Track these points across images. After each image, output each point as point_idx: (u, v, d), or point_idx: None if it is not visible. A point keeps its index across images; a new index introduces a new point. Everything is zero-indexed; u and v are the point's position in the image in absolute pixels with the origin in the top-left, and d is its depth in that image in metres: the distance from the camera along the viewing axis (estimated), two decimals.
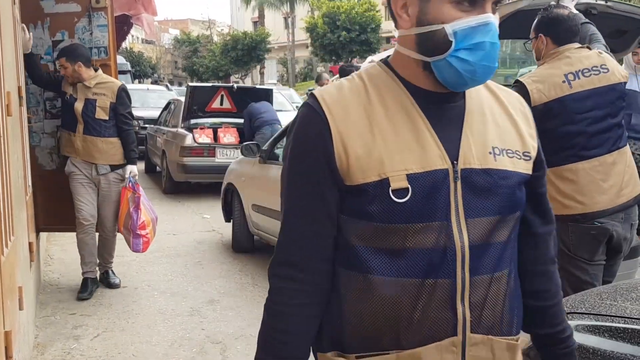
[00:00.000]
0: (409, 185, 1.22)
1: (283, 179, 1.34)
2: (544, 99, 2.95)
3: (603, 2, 4.14)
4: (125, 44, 24.55)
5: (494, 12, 1.25)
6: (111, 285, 5.19)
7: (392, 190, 1.22)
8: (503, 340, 1.31)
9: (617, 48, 4.42)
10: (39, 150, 5.12)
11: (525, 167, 1.33)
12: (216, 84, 17.45)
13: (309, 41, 36.82)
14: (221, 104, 10.07)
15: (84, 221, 4.93)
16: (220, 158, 9.27)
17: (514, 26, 4.06)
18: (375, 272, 1.25)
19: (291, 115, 8.29)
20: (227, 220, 6.66)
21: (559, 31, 3.07)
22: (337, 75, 17.88)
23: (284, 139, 6.04)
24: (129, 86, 7.79)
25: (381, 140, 1.24)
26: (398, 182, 1.22)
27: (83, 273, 5.03)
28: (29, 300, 3.83)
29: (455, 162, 1.26)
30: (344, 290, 1.29)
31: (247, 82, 42.69)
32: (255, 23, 53.47)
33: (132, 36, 49.80)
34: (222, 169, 7.30)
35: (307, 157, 1.28)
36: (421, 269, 1.24)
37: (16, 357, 2.81)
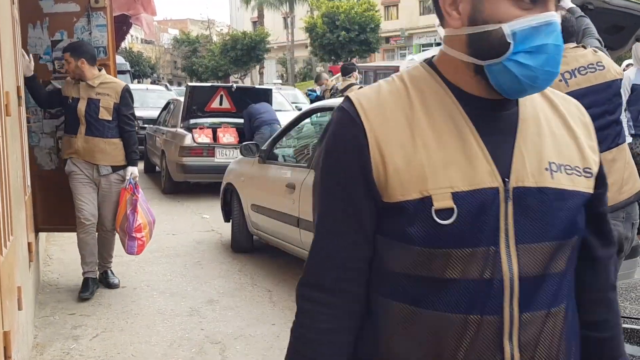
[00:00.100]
0: (454, 206, 1.08)
1: (315, 191, 1.21)
2: None
3: None
4: (124, 44, 24.50)
5: (556, 10, 1.11)
6: (110, 285, 5.18)
7: (436, 211, 1.09)
8: None
9: (614, 45, 4.40)
10: (38, 150, 5.11)
11: (586, 185, 1.18)
12: (215, 84, 17.46)
13: (308, 41, 36.86)
14: (220, 104, 10.07)
15: (85, 221, 4.91)
16: (219, 158, 9.27)
17: None
18: (413, 303, 1.13)
19: (291, 115, 8.28)
20: (227, 220, 6.66)
21: None
22: (338, 75, 17.90)
23: (284, 138, 6.06)
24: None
25: (424, 152, 1.11)
26: (442, 201, 1.08)
27: (84, 273, 5.02)
28: (28, 300, 3.83)
29: (506, 179, 1.11)
30: (379, 320, 1.18)
31: (247, 82, 42.73)
32: (254, 23, 53.49)
33: (132, 36, 49.76)
34: (221, 169, 7.30)
35: (341, 167, 1.15)
36: (465, 302, 1.10)
37: (15, 357, 2.81)
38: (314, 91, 14.50)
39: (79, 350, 4.03)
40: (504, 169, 1.12)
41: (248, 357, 3.97)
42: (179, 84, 47.98)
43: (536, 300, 1.12)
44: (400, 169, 1.10)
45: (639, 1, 5.06)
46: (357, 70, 9.40)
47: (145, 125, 12.49)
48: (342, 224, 1.16)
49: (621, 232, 3.03)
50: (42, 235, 5.84)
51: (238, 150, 6.76)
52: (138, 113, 10.77)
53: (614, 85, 3.05)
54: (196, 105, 9.87)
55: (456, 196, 1.09)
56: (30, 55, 4.75)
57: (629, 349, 1.86)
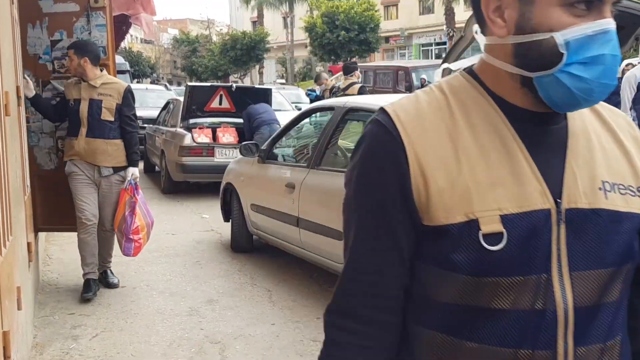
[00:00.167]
0: (503, 230, 0.99)
1: (346, 210, 1.12)
2: None
3: None
4: (124, 44, 24.51)
5: (612, 16, 1.02)
6: (110, 285, 5.17)
7: (483, 235, 0.99)
8: None
9: None
10: (38, 150, 5.11)
11: None
12: (215, 83, 17.47)
13: (307, 41, 36.88)
14: (220, 103, 10.06)
15: (87, 221, 4.87)
16: (219, 158, 9.27)
17: None
18: (456, 335, 1.04)
19: (290, 115, 8.27)
20: (226, 220, 6.65)
21: None
22: (338, 74, 17.92)
23: (283, 138, 6.06)
24: None
25: (468, 170, 1.01)
26: (490, 224, 0.99)
27: (84, 274, 4.97)
28: (28, 300, 3.83)
29: (558, 200, 1.02)
30: (416, 352, 1.09)
31: (246, 82, 42.72)
32: (254, 23, 53.50)
33: (131, 36, 49.75)
34: (221, 169, 7.29)
35: (377, 187, 1.05)
36: (514, 335, 1.01)
37: (14, 357, 2.81)
38: (314, 91, 14.52)
39: (78, 350, 4.03)
40: (555, 189, 1.03)
41: (247, 357, 3.97)
42: (179, 84, 47.98)
43: (591, 333, 1.03)
44: (444, 188, 1.01)
45: (639, 1, 5.06)
46: (358, 69, 9.44)
47: (145, 125, 12.49)
48: (378, 248, 1.07)
49: None
50: (42, 235, 5.84)
51: (237, 150, 6.76)
52: (137, 113, 10.72)
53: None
54: (196, 105, 9.87)
55: (505, 219, 1.00)
56: (29, 78, 4.72)
57: None
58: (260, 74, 46.34)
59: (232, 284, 5.40)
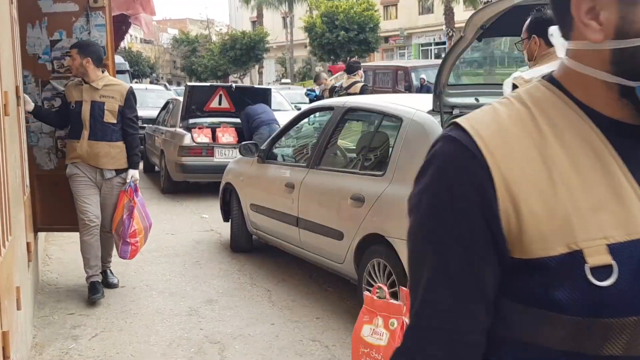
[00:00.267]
0: (612, 261, 0.86)
1: (413, 241, 0.97)
2: None
3: None
4: (123, 44, 24.54)
5: None
6: (109, 285, 5.16)
7: (591, 269, 0.86)
8: None
9: None
10: (37, 150, 5.10)
11: None
12: (215, 83, 17.48)
13: (307, 41, 36.88)
14: (220, 103, 10.06)
15: (90, 222, 4.83)
16: (218, 158, 9.27)
17: (510, 23, 4.05)
18: None
19: (290, 115, 8.24)
20: (226, 219, 6.65)
21: None
22: (338, 74, 17.91)
23: (282, 138, 6.06)
24: None
25: (566, 192, 0.88)
26: (597, 256, 0.86)
27: (89, 277, 4.89)
28: (27, 300, 3.83)
29: None
30: None
31: (246, 82, 42.74)
32: (253, 23, 53.44)
33: (131, 36, 49.74)
34: (220, 169, 7.29)
35: (456, 215, 0.91)
36: None
37: (14, 357, 2.81)
38: (313, 91, 14.51)
39: (78, 350, 4.03)
40: None
41: (247, 357, 3.97)
42: (178, 84, 48.01)
43: None
44: (539, 214, 0.88)
45: None
46: (361, 69, 9.45)
47: (145, 125, 12.49)
48: (456, 287, 0.92)
49: None
50: (41, 235, 5.83)
51: (237, 150, 6.76)
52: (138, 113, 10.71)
53: None
54: (195, 105, 9.87)
55: (613, 249, 0.86)
56: (26, 96, 4.67)
57: None
58: (260, 73, 46.34)
59: (232, 284, 5.40)
